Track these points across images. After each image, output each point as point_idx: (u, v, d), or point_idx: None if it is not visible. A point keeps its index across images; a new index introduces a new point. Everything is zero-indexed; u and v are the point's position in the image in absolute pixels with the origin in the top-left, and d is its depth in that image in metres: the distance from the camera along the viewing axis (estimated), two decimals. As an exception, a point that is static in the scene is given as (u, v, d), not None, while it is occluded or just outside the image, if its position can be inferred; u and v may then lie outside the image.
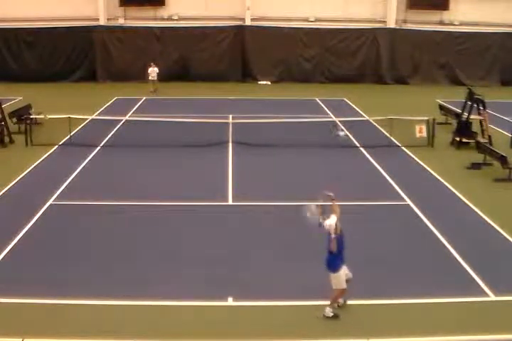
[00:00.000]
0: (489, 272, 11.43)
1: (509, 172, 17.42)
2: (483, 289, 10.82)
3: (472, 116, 21.58)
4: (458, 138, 21.30)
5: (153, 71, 31.77)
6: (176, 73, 35.16)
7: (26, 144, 20.62)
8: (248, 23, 36.36)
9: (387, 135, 21.98)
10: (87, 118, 23.55)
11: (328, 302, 9.87)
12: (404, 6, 36.71)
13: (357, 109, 28.16)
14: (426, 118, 21.41)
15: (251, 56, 36.57)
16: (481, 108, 21.10)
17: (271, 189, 16.44)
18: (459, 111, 22.70)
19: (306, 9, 36.21)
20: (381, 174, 17.94)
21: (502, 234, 13.37)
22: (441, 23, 37.07)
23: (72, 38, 35.15)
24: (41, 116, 22.44)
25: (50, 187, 16.15)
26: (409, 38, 36.29)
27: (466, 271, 11.57)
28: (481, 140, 20.35)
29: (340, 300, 10.09)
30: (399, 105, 28.19)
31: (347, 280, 9.94)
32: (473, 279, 11.21)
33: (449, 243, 12.80)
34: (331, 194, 10.19)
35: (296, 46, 36.27)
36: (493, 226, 13.84)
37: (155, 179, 17.24)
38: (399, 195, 16.06)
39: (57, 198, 15.44)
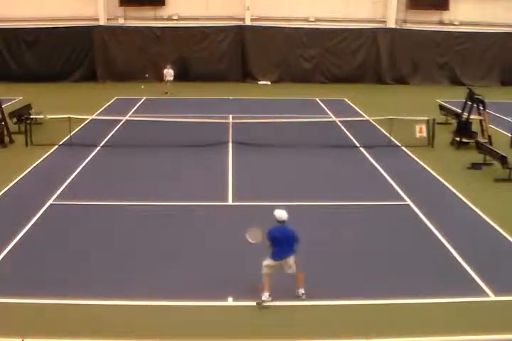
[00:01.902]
0: (489, 272, 11.44)
1: (509, 172, 17.42)
2: (483, 289, 10.83)
3: (472, 116, 21.58)
4: (458, 138, 21.30)
5: (168, 73, 31.83)
6: (176, 73, 35.10)
7: (26, 144, 20.61)
8: (248, 23, 36.36)
9: (387, 135, 21.98)
10: (87, 119, 23.54)
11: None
12: (404, 6, 36.71)
13: (357, 109, 28.16)
14: (426, 118, 21.41)
15: (251, 56, 36.57)
16: (481, 108, 21.10)
17: (271, 189, 16.44)
18: (459, 111, 22.71)
19: (306, 9, 36.21)
20: (381, 174, 17.94)
21: (502, 234, 13.38)
22: (441, 23, 37.07)
23: (72, 38, 35.12)
24: (41, 116, 22.44)
25: (50, 187, 16.15)
26: (409, 38, 36.28)
27: (466, 271, 11.57)
28: (481, 140, 20.35)
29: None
30: (399, 105, 28.20)
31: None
32: (473, 279, 11.22)
33: (449, 243, 12.81)
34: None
35: (296, 46, 36.27)
36: (493, 226, 13.84)
37: (155, 179, 17.24)
38: (399, 195, 16.06)
39: (57, 198, 15.43)
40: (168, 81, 31.92)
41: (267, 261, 10.34)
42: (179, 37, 35.65)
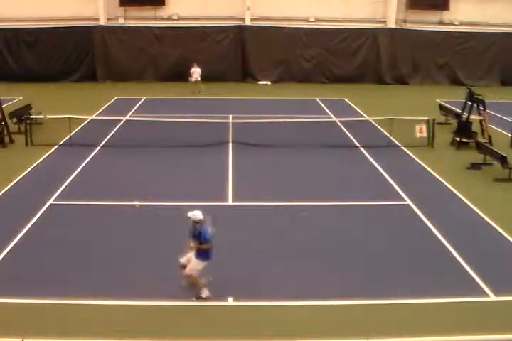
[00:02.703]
0: (489, 272, 11.43)
1: (509, 172, 17.42)
2: (483, 289, 10.83)
3: (472, 116, 21.58)
4: (458, 138, 21.30)
5: (195, 72, 31.74)
6: (176, 73, 35.15)
7: (26, 144, 20.61)
8: (248, 23, 36.37)
9: (387, 135, 21.98)
10: (87, 119, 23.54)
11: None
12: (404, 6, 36.71)
13: (357, 109, 28.16)
14: (426, 118, 21.41)
15: (251, 56, 36.58)
16: (481, 108, 21.10)
17: (271, 189, 16.44)
18: (459, 111, 22.71)
19: (306, 9, 36.22)
20: (381, 174, 17.94)
21: (502, 234, 13.37)
22: (441, 23, 37.07)
23: (72, 38, 35.14)
24: (41, 116, 22.45)
25: (50, 187, 16.15)
26: (409, 38, 36.29)
27: (466, 271, 11.57)
28: (481, 140, 20.35)
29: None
30: (399, 105, 28.20)
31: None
32: (473, 279, 11.21)
33: (449, 243, 12.81)
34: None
35: (296, 46, 36.27)
36: (493, 226, 13.84)
37: (155, 179, 17.24)
38: (399, 195, 16.06)
39: (57, 198, 15.44)
40: (196, 80, 31.66)
41: (202, 264, 10.14)
42: (179, 37, 35.64)
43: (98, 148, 20.40)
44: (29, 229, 13.36)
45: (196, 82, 31.75)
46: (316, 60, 36.65)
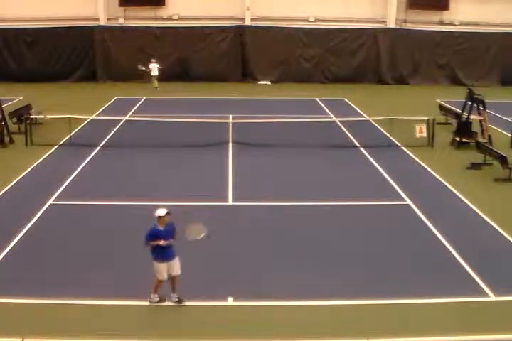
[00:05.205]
0: (489, 272, 11.43)
1: (509, 172, 17.42)
2: (483, 289, 10.82)
3: (472, 116, 21.59)
4: (458, 138, 21.31)
5: (154, 67, 32.49)
6: (176, 73, 35.16)
7: (26, 144, 20.61)
8: (248, 23, 36.37)
9: (387, 135, 21.98)
10: (87, 118, 23.54)
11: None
12: (404, 6, 36.72)
13: (357, 109, 28.17)
14: (426, 118, 21.42)
15: (251, 56, 36.58)
16: (481, 108, 21.10)
17: (271, 189, 16.44)
18: (459, 111, 22.71)
19: (306, 9, 36.21)
20: (381, 174, 17.94)
21: (502, 234, 13.37)
22: (441, 23, 37.08)
23: (72, 38, 35.16)
24: (41, 116, 22.46)
25: (50, 187, 16.15)
26: (409, 38, 36.31)
27: (466, 271, 11.57)
28: (481, 140, 20.35)
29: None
30: (399, 105, 28.20)
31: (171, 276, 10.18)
32: (473, 279, 11.21)
33: (449, 243, 12.81)
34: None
35: (296, 46, 36.29)
36: (493, 226, 13.84)
37: (155, 179, 17.24)
38: (399, 195, 16.06)
39: (57, 198, 15.43)
40: (154, 76, 32.48)
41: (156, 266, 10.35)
42: (179, 37, 35.67)
43: (98, 148, 20.40)
44: (29, 229, 13.36)
45: (154, 77, 32.44)
46: (316, 60, 36.66)
